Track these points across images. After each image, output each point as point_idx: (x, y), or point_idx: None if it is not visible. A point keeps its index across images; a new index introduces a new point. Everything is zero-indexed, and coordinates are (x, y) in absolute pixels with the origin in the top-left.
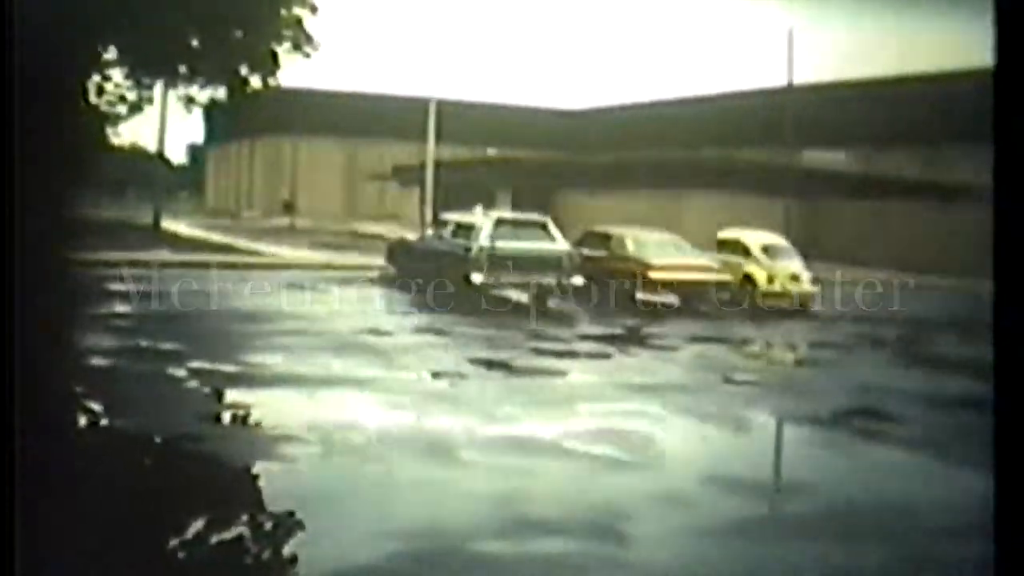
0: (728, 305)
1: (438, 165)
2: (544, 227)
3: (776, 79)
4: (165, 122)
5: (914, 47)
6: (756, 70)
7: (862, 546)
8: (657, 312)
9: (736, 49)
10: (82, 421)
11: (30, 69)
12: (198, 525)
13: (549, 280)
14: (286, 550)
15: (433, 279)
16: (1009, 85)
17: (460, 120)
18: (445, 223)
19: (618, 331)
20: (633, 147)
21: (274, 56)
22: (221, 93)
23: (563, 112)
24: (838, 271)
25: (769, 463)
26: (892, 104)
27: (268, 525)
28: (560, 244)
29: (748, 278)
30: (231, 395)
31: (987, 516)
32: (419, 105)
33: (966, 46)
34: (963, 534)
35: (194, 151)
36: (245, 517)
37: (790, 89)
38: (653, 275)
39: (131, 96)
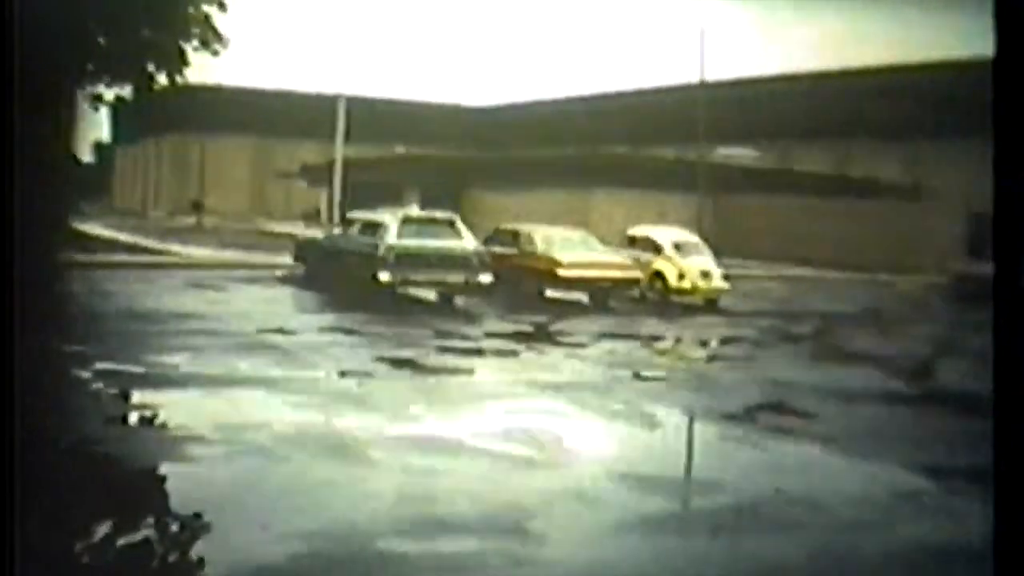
0: (638, 302)
1: (347, 163)
2: (452, 225)
3: (689, 76)
4: (73, 121)
5: (831, 44)
6: (669, 67)
7: (771, 540)
8: (566, 309)
9: (648, 46)
10: None
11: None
12: (104, 528)
13: (457, 278)
14: (193, 552)
15: (341, 278)
16: (1008, 78)
17: (369, 118)
18: (352, 221)
19: (527, 329)
20: (543, 144)
21: (182, 53)
22: (128, 91)
23: (472, 109)
24: (750, 267)
25: (679, 459)
26: (806, 100)
27: (175, 527)
28: (468, 242)
29: (658, 275)
30: (137, 396)
31: (893, 508)
32: (328, 103)
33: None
34: (870, 527)
35: (101, 150)
36: (151, 519)
37: (703, 85)
38: (562, 272)
39: None
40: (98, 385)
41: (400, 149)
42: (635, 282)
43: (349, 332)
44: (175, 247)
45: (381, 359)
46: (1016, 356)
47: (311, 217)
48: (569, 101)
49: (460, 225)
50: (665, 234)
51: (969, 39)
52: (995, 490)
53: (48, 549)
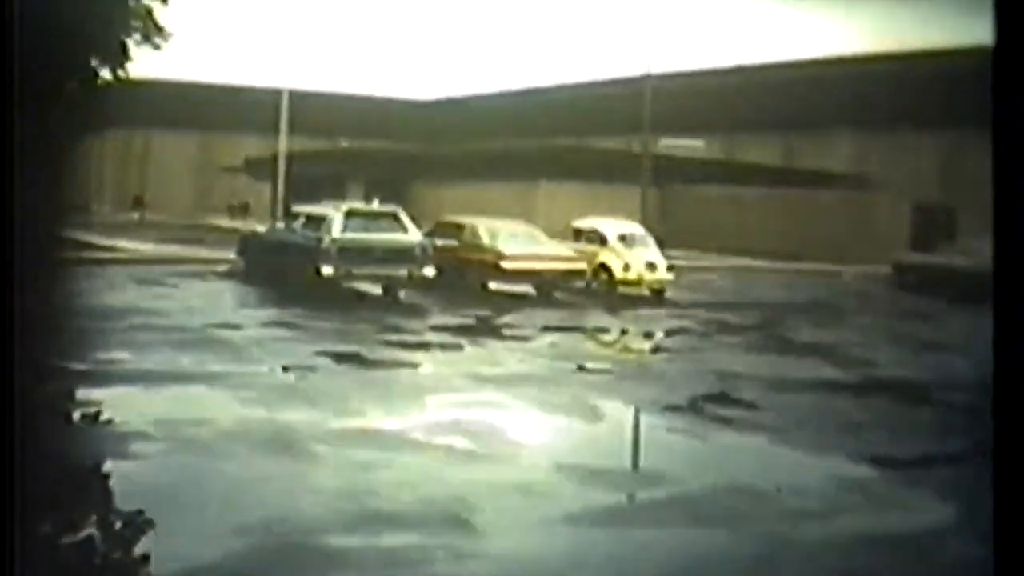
0: (583, 294)
1: (291, 157)
2: (396, 218)
3: (634, 68)
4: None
5: (777, 35)
6: (615, 59)
7: (717, 531)
8: (511, 302)
9: (594, 38)
10: None
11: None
12: (47, 527)
13: (401, 271)
14: (137, 549)
15: (284, 272)
16: (1007, 71)
17: (313, 111)
18: (296, 215)
19: (470, 322)
20: (488, 137)
21: (124, 48)
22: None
23: (417, 102)
24: (695, 258)
25: (624, 451)
26: (753, 92)
27: (118, 524)
28: (412, 235)
29: (604, 267)
30: (81, 393)
31: (837, 498)
32: (272, 96)
33: (831, 34)
34: (814, 517)
35: None
36: (94, 517)
37: (648, 77)
38: (506, 265)
39: None
40: (42, 382)
41: (344, 142)
42: (580, 274)
43: (292, 326)
44: (121, 243)
45: (324, 353)
46: (1016, 356)
47: (237, 211)
48: (514, 94)
49: (404, 218)
50: (610, 226)
51: (920, 30)
52: (995, 491)
53: None
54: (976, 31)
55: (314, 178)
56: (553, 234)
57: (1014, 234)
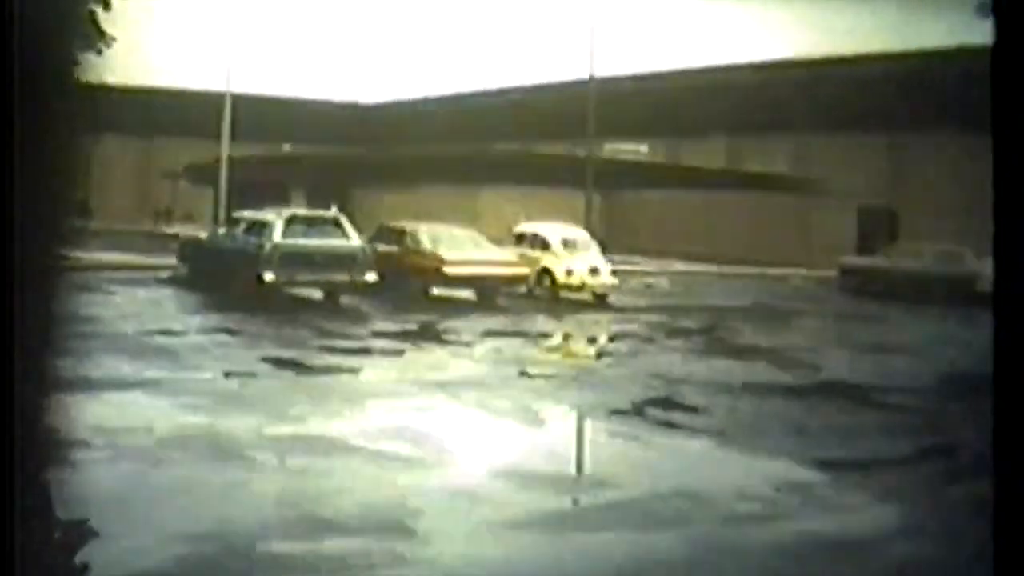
0: (526, 299)
1: (232, 162)
2: (337, 223)
3: (578, 72)
4: None
5: (721, 39)
6: (559, 63)
7: (661, 535)
8: (453, 307)
9: (538, 42)
10: None
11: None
12: None
13: (342, 277)
14: (77, 558)
15: (225, 278)
16: (1007, 74)
17: (255, 116)
18: (237, 221)
19: (412, 327)
20: (432, 141)
21: (70, 53)
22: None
23: (360, 106)
24: (639, 262)
25: (567, 456)
26: (696, 96)
27: (58, 533)
28: (354, 240)
29: (546, 271)
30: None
31: (782, 502)
32: (214, 101)
33: (775, 38)
34: (759, 521)
35: None
36: (34, 526)
37: (592, 81)
38: (448, 270)
39: None
40: None
41: (287, 147)
42: (522, 279)
43: (234, 333)
44: (61, 249)
45: (266, 359)
46: (1016, 357)
47: (162, 216)
48: (458, 98)
49: (345, 223)
50: (553, 230)
51: (863, 34)
52: (995, 492)
53: None
54: (919, 36)
55: (256, 183)
56: (496, 239)
57: (1014, 235)
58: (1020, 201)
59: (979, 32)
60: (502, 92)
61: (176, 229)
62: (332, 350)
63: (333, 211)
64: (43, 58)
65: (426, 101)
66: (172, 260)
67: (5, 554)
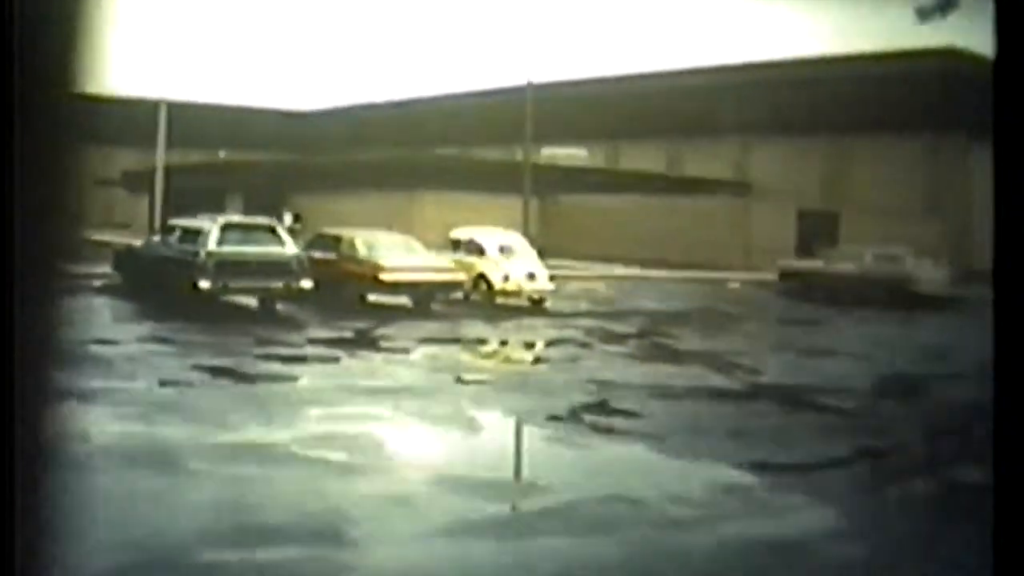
0: (462, 305)
1: (168, 170)
2: (273, 231)
3: (517, 77)
4: None
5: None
6: (497, 68)
7: (599, 540)
8: (389, 314)
9: (476, 47)
10: None
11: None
12: None
13: (278, 284)
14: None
15: (161, 286)
16: (1009, 80)
17: (191, 123)
18: (172, 229)
19: (348, 334)
20: (369, 148)
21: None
22: None
23: (297, 113)
24: (576, 267)
25: (503, 462)
26: (636, 100)
27: None
28: (289, 248)
29: (482, 277)
30: None
31: (719, 505)
32: (149, 108)
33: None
34: (696, 524)
35: None
36: None
37: (530, 87)
38: (384, 277)
39: None
40: None
41: (223, 154)
42: (458, 285)
43: (169, 341)
44: None
45: (201, 368)
46: (1016, 358)
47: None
48: (395, 104)
49: (281, 231)
50: (489, 236)
51: (805, 38)
52: (995, 493)
53: None
54: (860, 39)
55: (192, 191)
56: (434, 245)
57: (1014, 237)
58: (1020, 203)
59: (919, 36)
60: (440, 98)
61: (111, 237)
62: (268, 358)
63: (268, 218)
64: (44, 64)
65: (363, 107)
66: (106, 268)
67: None
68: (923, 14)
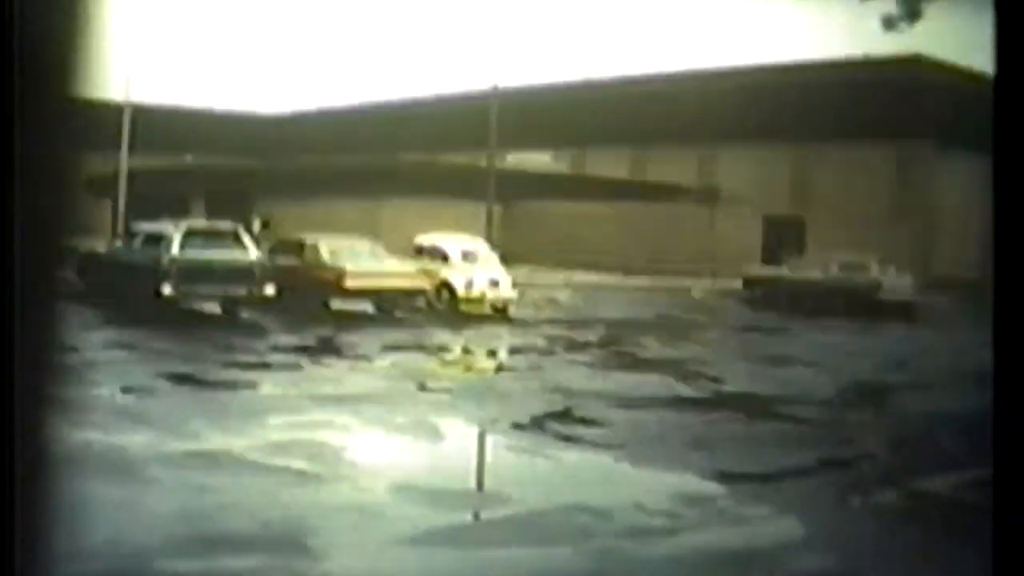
0: (425, 312)
1: (132, 174)
2: (236, 236)
3: (482, 82)
4: None
5: (627, 49)
6: (463, 73)
7: (562, 549)
8: (352, 321)
9: (442, 52)
10: None
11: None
12: None
13: (240, 290)
14: None
15: (123, 292)
16: (1009, 92)
17: (155, 127)
18: (135, 234)
19: (311, 341)
20: (334, 152)
21: None
22: None
23: (262, 117)
24: (540, 275)
25: (466, 470)
26: (601, 106)
27: None
28: (252, 253)
29: (446, 284)
30: None
31: (682, 515)
32: (113, 112)
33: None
34: (660, 534)
35: None
36: None
37: (496, 92)
38: (348, 283)
39: None
40: None
41: (188, 159)
42: (422, 292)
43: (131, 348)
44: None
45: (163, 375)
46: (1016, 359)
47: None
48: (360, 109)
49: (244, 236)
50: (453, 243)
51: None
52: (995, 494)
53: None
54: (826, 47)
55: (156, 196)
56: (398, 251)
57: (1013, 239)
58: (1019, 206)
59: (885, 43)
60: (405, 103)
61: (73, 242)
62: (230, 364)
63: (231, 223)
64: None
65: (329, 112)
66: (69, 274)
67: None
68: (889, 23)
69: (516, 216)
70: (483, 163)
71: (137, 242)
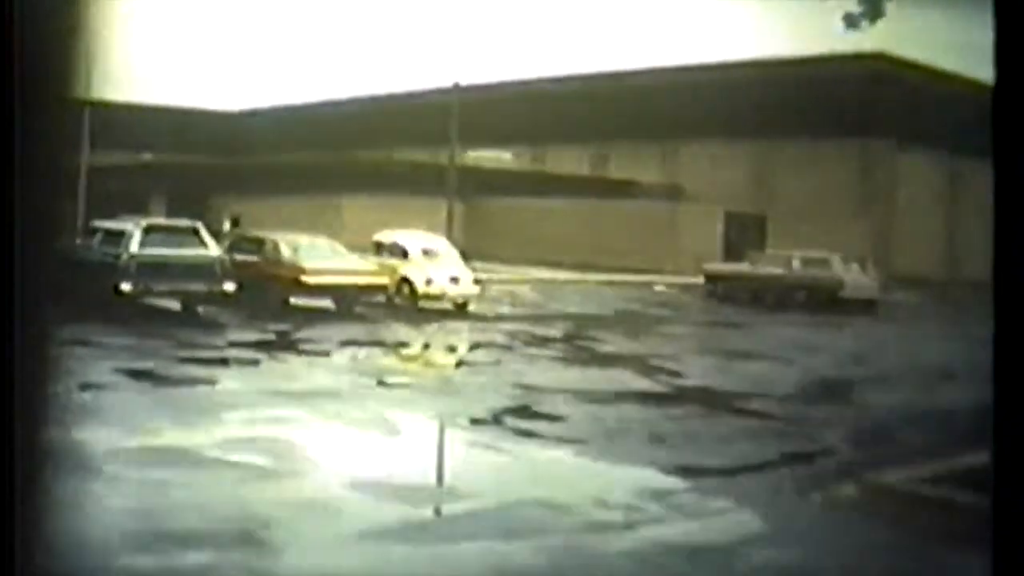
0: (385, 308)
1: (91, 171)
2: (196, 233)
3: (443, 79)
4: None
5: (588, 47)
6: (424, 70)
7: (521, 544)
8: (311, 317)
9: (402, 49)
10: None
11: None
12: None
13: (200, 287)
14: None
15: (83, 289)
16: (1009, 98)
17: (115, 124)
18: (95, 231)
19: (270, 337)
20: (294, 149)
21: None
22: None
23: (222, 114)
24: (501, 271)
25: (425, 465)
26: (562, 103)
27: None
28: (212, 250)
29: (405, 280)
30: None
31: (643, 509)
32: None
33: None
34: (619, 528)
35: None
36: None
37: (456, 89)
38: (307, 279)
39: None
40: None
41: (147, 156)
42: (382, 288)
43: (90, 344)
44: None
45: (121, 371)
46: (1015, 360)
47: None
48: (321, 105)
49: (204, 233)
50: (413, 239)
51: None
52: (995, 493)
53: None
54: (788, 43)
55: (116, 193)
56: (357, 248)
57: (1013, 240)
58: (1019, 207)
59: (846, 41)
60: (366, 100)
61: None
62: (189, 361)
63: (191, 220)
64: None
65: (289, 108)
66: None
67: None
68: (851, 21)
69: (477, 213)
70: (444, 160)
71: (97, 239)
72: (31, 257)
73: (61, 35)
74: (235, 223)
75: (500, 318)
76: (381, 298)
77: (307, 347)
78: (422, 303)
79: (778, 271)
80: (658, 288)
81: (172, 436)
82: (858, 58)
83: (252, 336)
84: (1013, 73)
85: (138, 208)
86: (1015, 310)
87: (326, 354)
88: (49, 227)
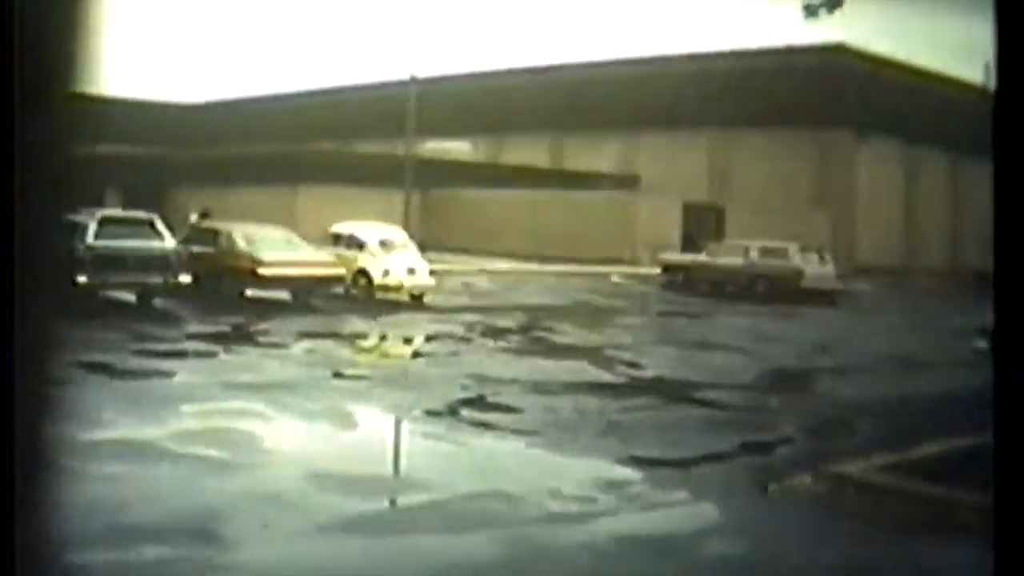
0: (342, 300)
1: None
2: (152, 225)
3: (400, 71)
4: None
5: (547, 38)
6: (381, 62)
7: (476, 535)
8: (267, 309)
9: (359, 41)
10: None
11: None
12: None
13: (155, 279)
14: None
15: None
16: (1010, 98)
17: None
18: None
19: (226, 329)
20: (250, 141)
21: None
22: None
23: (178, 106)
24: (458, 262)
25: (380, 457)
26: (521, 94)
27: None
28: (168, 242)
29: (362, 272)
30: None
31: (597, 500)
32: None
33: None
34: (574, 520)
35: None
36: None
37: (413, 81)
38: (263, 271)
39: None
40: None
41: (102, 148)
42: (338, 280)
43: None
44: None
45: (76, 363)
46: (1015, 359)
47: None
48: (277, 97)
49: (159, 225)
50: (369, 231)
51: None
52: (995, 493)
53: None
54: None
55: (70, 184)
56: (314, 239)
57: (1013, 240)
58: (1019, 205)
59: (805, 32)
60: (323, 91)
61: None
62: (145, 353)
63: (147, 212)
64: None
65: (246, 100)
66: None
67: None
68: (810, 11)
69: (434, 204)
70: (400, 151)
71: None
72: (31, 257)
73: (64, 30)
74: (204, 215)
75: (457, 309)
76: (338, 290)
77: (264, 339)
78: (379, 294)
79: (736, 261)
80: (615, 279)
81: (127, 429)
82: (817, 49)
83: (209, 328)
84: (1013, 73)
85: (94, 200)
86: (1015, 309)
87: (283, 346)
88: (50, 226)
